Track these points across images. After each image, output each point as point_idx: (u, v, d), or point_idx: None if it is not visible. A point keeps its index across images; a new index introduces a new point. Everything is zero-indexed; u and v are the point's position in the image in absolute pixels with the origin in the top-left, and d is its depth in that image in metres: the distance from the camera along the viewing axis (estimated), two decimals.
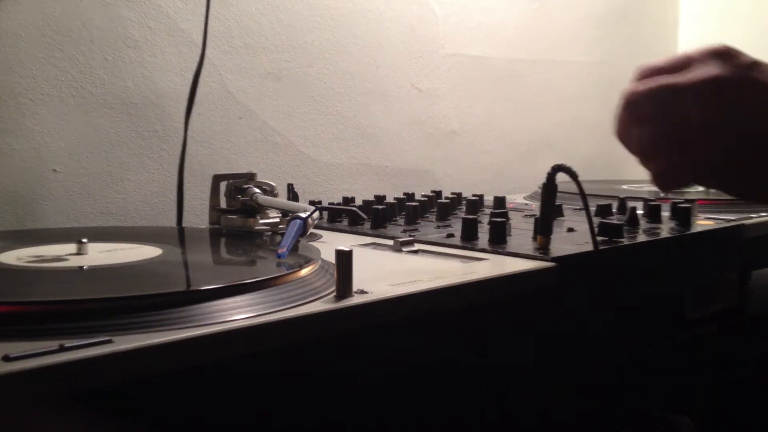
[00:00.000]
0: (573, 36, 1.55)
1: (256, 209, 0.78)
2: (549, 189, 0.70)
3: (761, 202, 0.54)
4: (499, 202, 0.98)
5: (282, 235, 0.63)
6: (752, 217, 0.92)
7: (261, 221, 0.77)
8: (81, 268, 0.57)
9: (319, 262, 0.59)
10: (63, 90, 0.89)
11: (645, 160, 0.51)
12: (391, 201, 0.92)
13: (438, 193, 1.01)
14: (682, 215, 0.85)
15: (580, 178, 0.69)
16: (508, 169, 1.45)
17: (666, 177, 0.51)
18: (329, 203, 0.91)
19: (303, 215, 0.65)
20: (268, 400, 0.46)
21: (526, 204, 1.09)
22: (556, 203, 0.76)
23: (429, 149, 1.30)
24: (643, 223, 0.85)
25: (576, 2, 1.55)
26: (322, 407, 0.50)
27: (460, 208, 0.99)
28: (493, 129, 1.41)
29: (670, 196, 1.04)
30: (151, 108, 0.96)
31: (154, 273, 0.57)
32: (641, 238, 0.77)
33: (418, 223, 0.86)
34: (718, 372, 0.93)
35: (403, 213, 0.87)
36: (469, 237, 0.74)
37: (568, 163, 0.68)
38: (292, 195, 0.89)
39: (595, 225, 0.74)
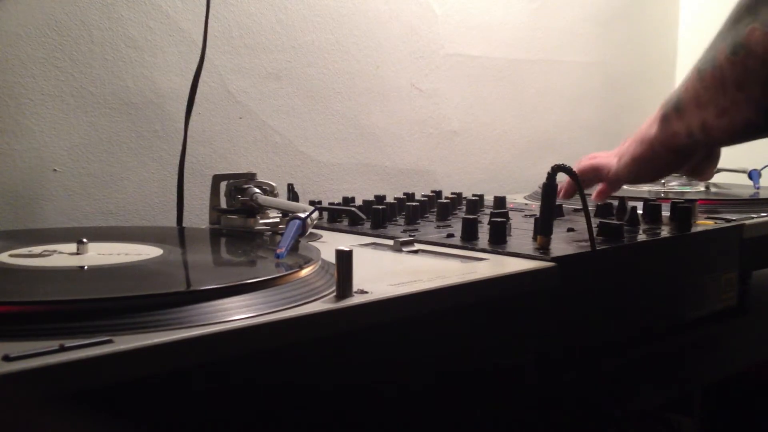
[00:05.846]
0: (573, 36, 1.55)
1: (256, 209, 0.78)
2: (549, 189, 0.70)
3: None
4: (499, 202, 0.98)
5: (282, 235, 0.63)
6: (752, 217, 0.92)
7: (261, 221, 0.77)
8: (81, 268, 0.57)
9: (319, 262, 0.59)
10: (63, 90, 0.89)
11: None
12: (391, 201, 0.92)
13: (438, 193, 1.01)
14: (682, 215, 0.85)
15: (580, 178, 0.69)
16: (508, 169, 1.45)
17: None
18: (329, 203, 0.91)
19: (302, 215, 0.65)
20: (268, 399, 0.46)
21: (526, 204, 1.09)
22: (556, 203, 0.76)
23: (429, 149, 1.30)
24: (643, 223, 0.85)
25: (576, 2, 1.55)
26: (322, 407, 0.50)
27: (460, 208, 0.99)
28: (493, 129, 1.41)
29: (670, 195, 1.04)
30: (151, 108, 0.96)
31: (154, 273, 0.57)
32: (641, 238, 0.77)
33: (418, 223, 0.86)
34: (718, 372, 0.93)
35: (403, 213, 0.87)
36: (469, 237, 0.74)
37: (568, 163, 0.69)
38: (292, 195, 0.89)
39: (595, 225, 0.74)
